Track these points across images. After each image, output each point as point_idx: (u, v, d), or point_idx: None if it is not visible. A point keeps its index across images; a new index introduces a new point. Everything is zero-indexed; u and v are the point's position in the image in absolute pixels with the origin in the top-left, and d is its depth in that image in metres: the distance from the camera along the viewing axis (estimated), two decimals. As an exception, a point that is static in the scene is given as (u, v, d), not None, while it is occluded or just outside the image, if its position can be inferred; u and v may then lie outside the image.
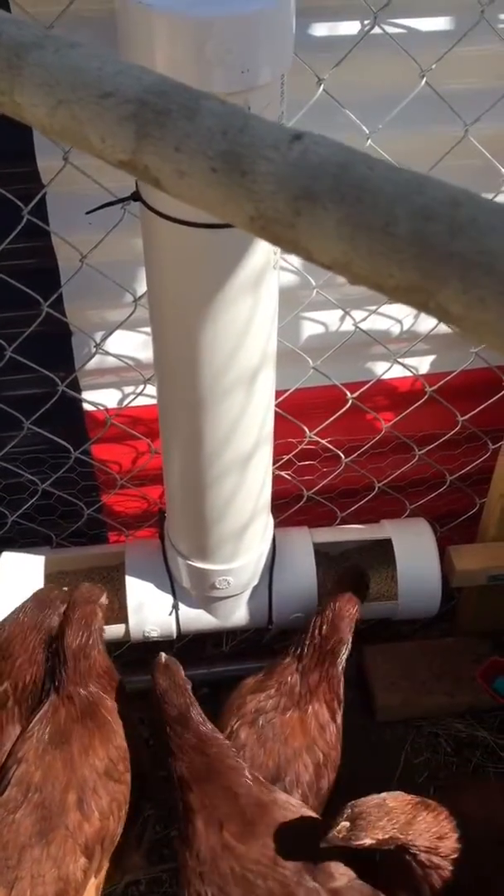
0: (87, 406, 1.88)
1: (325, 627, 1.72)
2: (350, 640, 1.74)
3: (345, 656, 1.75)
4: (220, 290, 1.29)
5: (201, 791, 1.54)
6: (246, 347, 1.39)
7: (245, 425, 1.51)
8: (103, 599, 1.75)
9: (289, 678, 1.73)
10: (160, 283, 1.35)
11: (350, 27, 1.38)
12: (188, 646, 2.42)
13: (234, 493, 1.62)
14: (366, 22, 1.36)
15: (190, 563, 1.79)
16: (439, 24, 1.41)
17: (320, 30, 1.38)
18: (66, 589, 1.83)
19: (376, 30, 1.34)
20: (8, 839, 1.54)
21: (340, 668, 1.73)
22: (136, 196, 1.27)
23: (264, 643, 2.48)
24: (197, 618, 1.92)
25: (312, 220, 0.45)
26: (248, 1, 1.05)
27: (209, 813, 1.51)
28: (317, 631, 1.72)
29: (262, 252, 1.28)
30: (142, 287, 1.67)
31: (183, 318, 1.35)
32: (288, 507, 2.09)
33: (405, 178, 0.44)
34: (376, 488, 2.08)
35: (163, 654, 1.68)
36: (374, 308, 1.76)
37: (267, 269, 1.32)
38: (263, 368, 1.47)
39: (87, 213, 1.34)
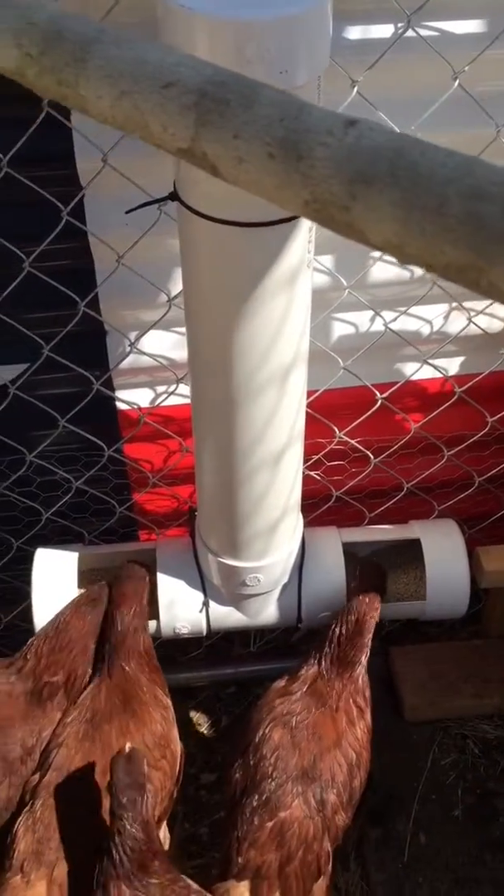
0: (120, 405, 1.91)
1: (348, 627, 1.73)
2: (371, 638, 1.76)
3: (367, 655, 1.77)
4: (256, 288, 1.31)
5: None
6: (280, 345, 1.41)
7: (277, 422, 1.53)
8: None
9: (315, 679, 1.74)
10: (196, 281, 1.37)
11: (383, 30, 1.41)
12: (217, 645, 2.45)
13: (265, 490, 1.64)
14: (399, 25, 1.39)
15: (221, 560, 1.81)
16: (472, 26, 1.42)
17: (354, 33, 1.41)
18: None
19: (409, 32, 1.36)
20: (50, 820, 1.58)
21: (365, 667, 1.74)
22: (173, 196, 1.30)
23: (292, 643, 2.50)
24: (227, 615, 1.94)
25: (367, 203, 0.47)
26: (287, 4, 1.08)
27: None
28: (340, 630, 1.74)
29: (298, 251, 1.31)
30: (176, 287, 1.70)
31: (218, 315, 1.37)
32: (316, 507, 2.10)
33: (457, 161, 0.46)
34: (405, 489, 2.09)
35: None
36: (404, 309, 1.77)
37: (301, 267, 1.34)
38: (296, 366, 1.49)
39: (127, 212, 1.37)
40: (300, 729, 1.65)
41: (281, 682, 1.77)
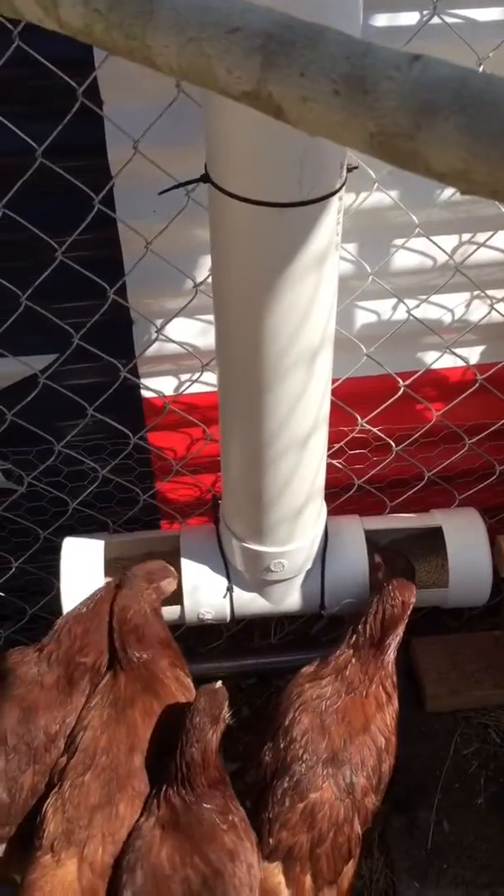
0: (144, 393, 1.94)
1: (384, 614, 1.74)
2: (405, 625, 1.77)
3: (400, 641, 1.78)
4: (286, 268, 1.34)
5: (174, 837, 1.53)
6: (308, 326, 1.43)
7: (304, 405, 1.56)
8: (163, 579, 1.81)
9: (346, 665, 1.75)
10: (227, 262, 1.40)
11: (409, 17, 1.44)
12: (237, 636, 2.46)
13: (291, 474, 1.66)
14: (425, 12, 1.42)
15: (245, 545, 1.83)
16: (496, 13, 1.45)
17: (380, 20, 1.44)
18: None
19: (434, 19, 1.40)
20: (79, 801, 1.60)
21: (395, 654, 1.76)
22: (205, 178, 1.33)
23: (312, 634, 2.52)
24: (251, 601, 1.96)
25: (432, 131, 0.50)
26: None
27: (169, 862, 1.52)
28: (375, 617, 1.75)
29: (327, 231, 1.33)
30: (201, 274, 1.73)
31: (249, 296, 1.40)
32: (338, 496, 2.12)
33: (520, 89, 0.49)
34: (426, 478, 2.10)
35: (219, 682, 1.63)
36: (426, 296, 1.80)
37: (330, 249, 1.37)
38: (323, 348, 1.51)
39: (160, 193, 1.41)
40: (330, 713, 1.67)
41: (311, 667, 1.79)
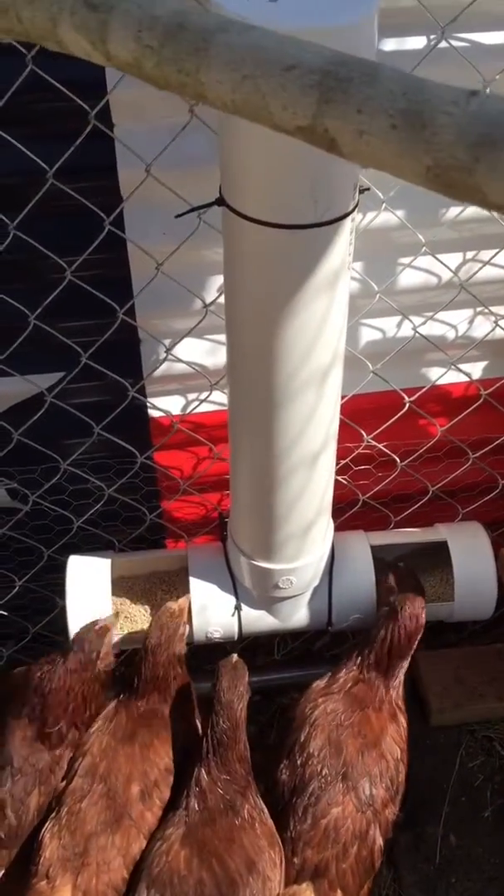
0: (152, 412, 1.95)
1: (396, 633, 1.75)
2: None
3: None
4: (300, 288, 1.35)
5: (204, 818, 1.59)
6: (320, 345, 1.45)
7: (315, 423, 1.57)
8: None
9: (359, 681, 1.76)
10: (241, 283, 1.42)
11: (417, 42, 1.47)
12: (240, 653, 2.46)
13: (301, 491, 1.68)
14: (432, 37, 1.45)
15: (254, 562, 1.84)
16: (502, 37, 1.49)
17: (389, 45, 1.47)
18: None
19: (442, 44, 1.42)
20: (76, 827, 1.60)
21: (405, 669, 1.77)
22: (220, 201, 1.35)
23: (315, 650, 2.52)
24: (259, 618, 1.97)
25: (490, 164, 0.51)
26: (336, 13, 1.13)
27: (199, 845, 1.56)
28: (388, 636, 1.76)
29: (340, 252, 1.35)
30: (210, 294, 1.75)
31: (262, 316, 1.41)
32: (342, 512, 2.14)
33: None
34: (430, 493, 2.12)
35: (235, 655, 1.74)
36: (432, 313, 1.82)
37: (343, 268, 1.39)
38: (334, 367, 1.53)
39: (177, 216, 1.42)
40: (345, 727, 1.68)
41: (322, 682, 1.79)
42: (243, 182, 1.28)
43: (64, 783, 1.73)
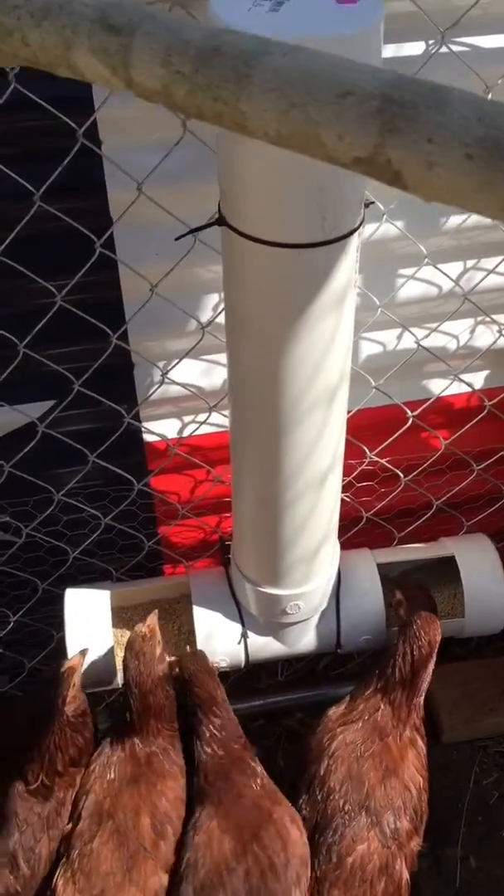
0: (147, 437, 1.88)
1: (412, 655, 1.70)
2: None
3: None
4: (306, 308, 1.29)
5: (214, 784, 1.63)
6: (328, 365, 1.39)
7: (323, 445, 1.51)
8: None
9: (378, 708, 1.71)
10: (244, 304, 1.35)
11: (416, 47, 1.41)
12: (244, 678, 2.40)
13: (308, 515, 1.62)
14: (431, 42, 1.39)
15: (260, 589, 1.78)
16: (502, 40, 1.44)
17: (387, 51, 1.41)
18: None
19: (442, 49, 1.37)
20: (90, 868, 1.54)
21: (428, 681, 1.71)
22: (221, 221, 1.28)
23: (319, 670, 2.47)
24: (266, 645, 1.90)
25: None
26: (342, 22, 1.07)
27: (214, 808, 1.61)
28: (405, 659, 1.70)
29: (346, 270, 1.30)
30: (205, 314, 1.68)
31: (267, 338, 1.35)
32: (346, 529, 2.08)
33: None
34: (434, 506, 2.07)
35: (189, 647, 1.80)
36: (435, 325, 1.77)
37: (349, 285, 1.33)
38: (341, 387, 1.47)
39: (176, 239, 1.36)
40: (366, 758, 1.62)
41: (339, 710, 1.73)
42: (246, 201, 1.22)
43: (70, 825, 1.67)
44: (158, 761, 1.72)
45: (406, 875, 1.58)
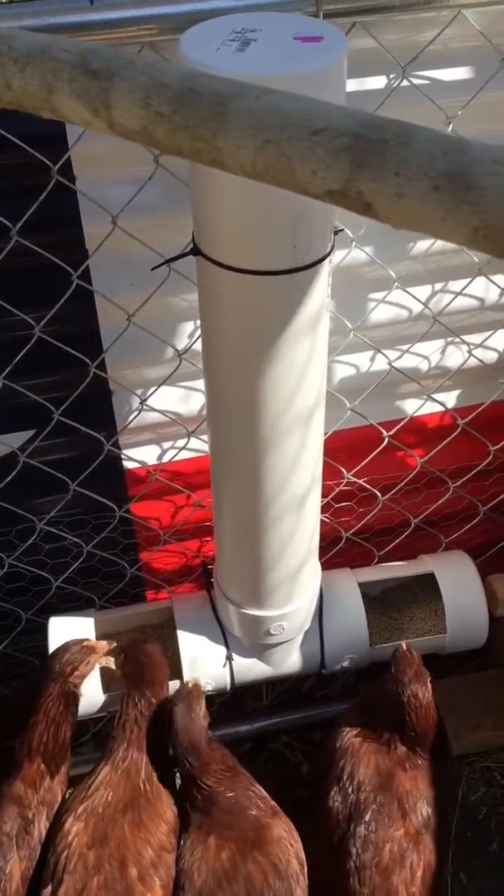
0: (126, 464, 1.90)
1: (415, 727, 1.74)
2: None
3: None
4: (281, 334, 1.33)
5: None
6: (304, 388, 1.42)
7: (302, 466, 1.54)
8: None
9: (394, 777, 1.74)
10: (220, 332, 1.38)
11: (378, 81, 1.46)
12: (229, 701, 2.40)
13: (290, 535, 1.64)
14: (392, 76, 1.44)
15: (244, 611, 1.79)
16: (462, 73, 1.49)
17: (350, 85, 1.46)
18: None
19: (404, 82, 1.42)
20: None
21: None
22: (195, 251, 1.31)
23: (304, 692, 2.48)
24: (250, 667, 1.92)
25: (547, 224, 0.49)
26: (305, 59, 1.11)
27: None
28: (409, 728, 1.75)
29: (320, 295, 1.33)
30: (181, 341, 1.71)
31: (243, 364, 1.38)
32: (326, 550, 2.10)
33: None
34: (412, 524, 2.10)
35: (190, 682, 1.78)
36: (407, 347, 1.81)
37: (323, 310, 1.37)
38: (317, 408, 1.50)
39: (153, 269, 1.39)
40: (390, 756, 1.71)
41: (354, 730, 1.77)
42: (219, 230, 1.25)
43: (49, 888, 1.62)
44: (146, 797, 1.71)
45: (435, 861, 1.63)
